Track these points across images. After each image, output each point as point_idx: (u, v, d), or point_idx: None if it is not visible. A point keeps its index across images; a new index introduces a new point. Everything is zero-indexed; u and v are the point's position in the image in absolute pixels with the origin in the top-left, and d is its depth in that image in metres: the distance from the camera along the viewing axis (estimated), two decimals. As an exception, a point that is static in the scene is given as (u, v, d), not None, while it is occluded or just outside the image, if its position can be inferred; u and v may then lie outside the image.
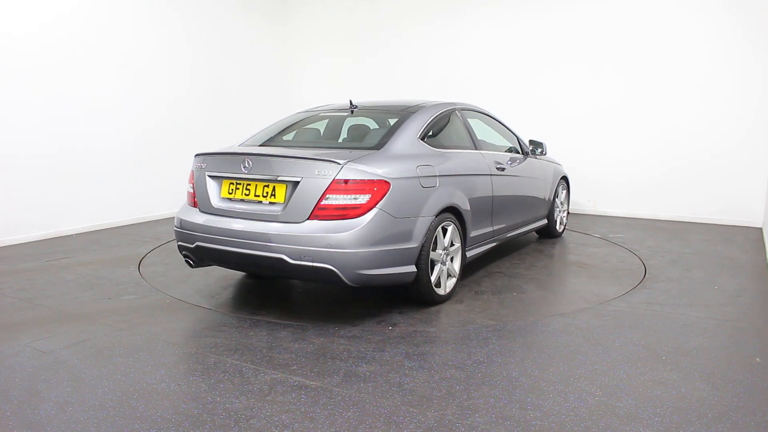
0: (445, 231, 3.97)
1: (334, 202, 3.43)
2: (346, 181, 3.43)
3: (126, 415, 2.51)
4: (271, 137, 4.41)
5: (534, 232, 6.19)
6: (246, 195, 3.71)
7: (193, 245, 3.82)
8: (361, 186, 3.44)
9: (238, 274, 4.73)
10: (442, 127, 4.56)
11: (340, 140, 4.47)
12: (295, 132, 4.54)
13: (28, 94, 6.00)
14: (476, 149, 4.65)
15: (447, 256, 4.00)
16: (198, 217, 3.84)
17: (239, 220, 3.65)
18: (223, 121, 8.26)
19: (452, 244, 4.07)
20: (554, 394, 2.69)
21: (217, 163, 3.88)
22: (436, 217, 3.81)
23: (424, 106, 4.43)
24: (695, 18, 6.94)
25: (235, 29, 8.57)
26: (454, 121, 4.68)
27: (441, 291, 3.98)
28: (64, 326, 3.60)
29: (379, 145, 3.88)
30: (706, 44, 6.91)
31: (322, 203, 3.44)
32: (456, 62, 8.42)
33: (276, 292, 4.39)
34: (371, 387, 2.77)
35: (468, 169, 4.33)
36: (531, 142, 5.62)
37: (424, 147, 4.07)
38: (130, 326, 3.61)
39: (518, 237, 5.45)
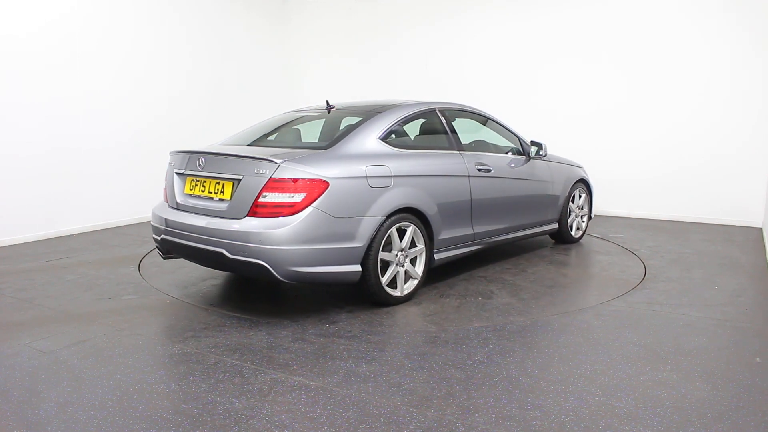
0: (403, 232, 3.96)
1: (271, 200, 3.52)
2: (281, 180, 3.52)
3: (126, 415, 2.51)
4: (246, 137, 4.52)
5: (549, 237, 6.03)
6: (202, 192, 3.91)
7: (160, 237, 4.08)
8: (296, 185, 3.52)
9: (238, 275, 4.73)
10: (413, 128, 4.53)
11: (305, 140, 4.46)
12: (268, 132, 4.57)
13: (28, 94, 6.00)
14: (456, 150, 4.55)
15: (405, 258, 3.99)
16: (165, 212, 4.08)
17: (194, 215, 3.86)
18: (223, 120, 8.25)
19: (415, 246, 4.06)
20: (554, 394, 2.69)
21: (182, 161, 4.08)
22: (387, 217, 3.81)
23: (395, 106, 4.41)
24: (696, 19, 6.94)
25: (235, 29, 8.57)
26: (431, 121, 4.64)
27: (396, 292, 3.96)
28: (64, 326, 3.60)
29: (329, 145, 3.94)
30: (707, 45, 6.91)
31: (259, 200, 3.55)
32: (457, 62, 8.41)
33: (276, 292, 4.38)
34: (371, 387, 2.77)
35: (437, 170, 4.25)
36: (531, 143, 5.43)
37: (384, 147, 4.06)
38: (130, 326, 3.61)
39: (519, 241, 5.41)
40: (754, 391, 2.73)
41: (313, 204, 3.52)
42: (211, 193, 3.83)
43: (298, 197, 3.50)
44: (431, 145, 4.57)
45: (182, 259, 4.21)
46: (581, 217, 6.06)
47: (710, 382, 2.83)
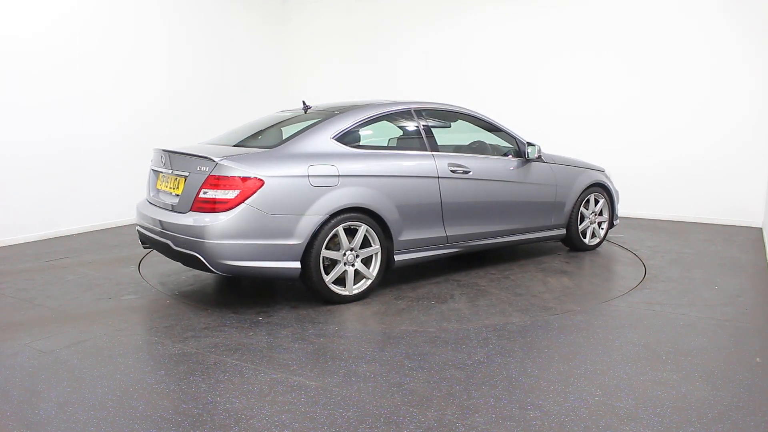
0: (354, 231, 3.99)
1: (210, 196, 3.72)
2: (218, 177, 3.71)
3: (126, 415, 2.51)
4: (225, 137, 4.65)
5: (562, 244, 5.72)
6: (166, 187, 4.16)
7: (137, 229, 4.44)
8: (230, 182, 3.68)
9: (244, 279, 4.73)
10: (376, 129, 4.54)
11: (274, 140, 4.40)
12: (246, 132, 4.59)
13: (28, 94, 6.00)
14: (428, 151, 4.47)
15: (356, 258, 4.01)
16: (142, 205, 4.42)
17: (158, 208, 4.15)
18: (224, 120, 8.23)
19: (369, 246, 4.08)
20: (554, 394, 2.69)
21: (155, 159, 4.37)
22: (331, 216, 3.85)
23: (363, 107, 4.43)
24: (696, 19, 6.94)
25: (235, 29, 8.57)
26: (403, 122, 4.62)
27: (345, 291, 4.00)
28: (64, 326, 3.60)
29: (275, 145, 4.06)
30: (707, 45, 6.90)
31: (200, 196, 3.76)
32: (457, 62, 8.41)
33: (276, 292, 4.38)
34: (371, 387, 2.77)
35: (397, 171, 4.22)
36: (527, 144, 5.19)
37: (337, 147, 4.09)
38: (130, 326, 3.62)
39: (516, 246, 5.28)
40: (754, 391, 2.73)
41: (247, 201, 3.66)
42: (171, 188, 4.08)
43: (232, 194, 3.67)
44: (397, 145, 4.55)
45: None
46: (598, 223, 5.69)
47: (710, 382, 2.83)
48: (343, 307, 3.97)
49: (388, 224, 4.13)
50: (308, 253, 3.81)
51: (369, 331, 3.56)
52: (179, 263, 4.06)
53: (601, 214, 5.70)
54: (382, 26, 8.94)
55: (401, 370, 2.96)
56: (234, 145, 4.29)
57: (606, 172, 5.85)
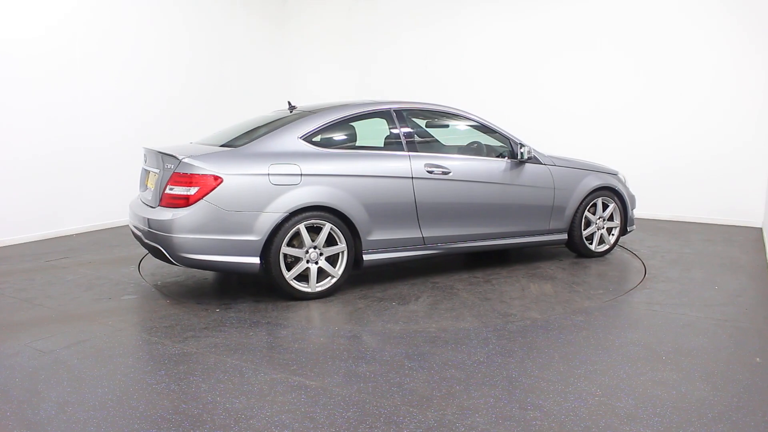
0: (318, 230, 4.04)
1: (175, 192, 3.89)
2: (181, 174, 3.87)
3: (126, 415, 2.51)
4: (213, 137, 4.72)
5: (568, 249, 5.46)
6: (149, 184, 4.31)
7: (128, 224, 4.56)
8: (191, 179, 3.84)
9: (239, 275, 4.73)
10: (355, 129, 4.57)
11: (250, 140, 4.38)
12: (235, 132, 4.60)
13: (28, 95, 6.00)
14: (404, 151, 4.44)
15: (320, 255, 4.06)
16: (132, 202, 4.56)
17: (141, 204, 4.31)
18: (223, 122, 8.23)
19: (335, 244, 4.11)
20: (554, 394, 2.69)
21: (144, 157, 4.55)
22: (292, 214, 3.93)
23: (334, 107, 4.48)
24: (697, 19, 6.94)
25: (235, 31, 8.57)
26: (380, 122, 4.60)
27: (307, 288, 4.06)
28: (64, 326, 3.60)
29: (241, 144, 4.19)
30: (708, 45, 6.90)
31: (165, 192, 3.93)
32: (457, 61, 8.41)
33: (277, 292, 4.38)
34: (371, 387, 2.77)
35: (366, 171, 4.22)
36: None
37: (304, 147, 4.16)
38: (130, 326, 3.62)
39: (508, 249, 5.16)
40: (754, 391, 2.73)
41: (205, 197, 3.80)
42: (151, 185, 4.24)
43: (192, 190, 3.82)
44: (372, 145, 4.55)
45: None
46: (609, 229, 5.39)
47: (710, 382, 2.83)
48: (301, 303, 4.02)
49: (355, 224, 4.15)
50: (268, 249, 3.91)
51: (369, 331, 3.56)
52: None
53: (611, 219, 5.38)
54: (382, 27, 8.94)
55: (401, 370, 2.96)
56: (221, 145, 4.31)
57: (619, 175, 5.56)
